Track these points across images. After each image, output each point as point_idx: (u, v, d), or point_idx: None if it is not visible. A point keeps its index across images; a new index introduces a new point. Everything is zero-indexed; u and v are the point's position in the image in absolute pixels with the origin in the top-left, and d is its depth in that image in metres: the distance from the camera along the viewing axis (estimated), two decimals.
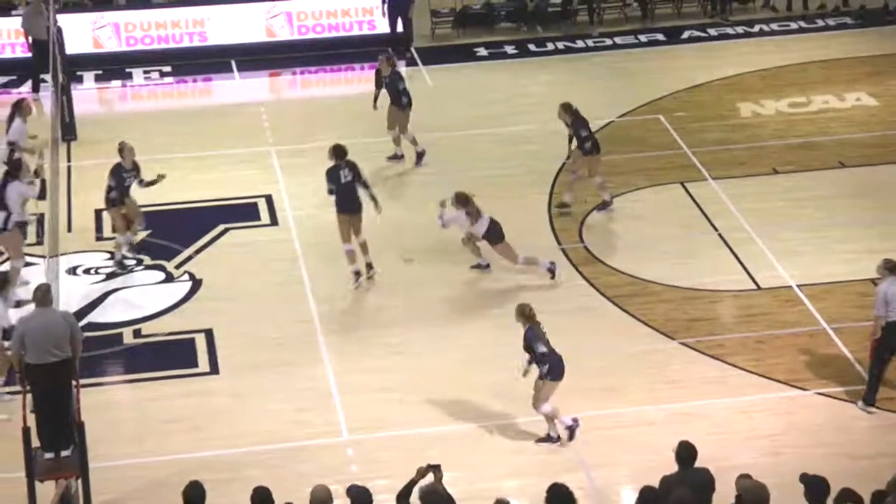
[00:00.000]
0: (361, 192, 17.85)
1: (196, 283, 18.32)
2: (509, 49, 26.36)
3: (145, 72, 25.30)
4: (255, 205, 20.27)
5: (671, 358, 16.35)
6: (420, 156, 21.26)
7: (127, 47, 25.58)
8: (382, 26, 26.22)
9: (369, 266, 18.12)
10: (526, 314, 14.65)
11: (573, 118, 19.43)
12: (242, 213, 20.04)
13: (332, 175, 17.80)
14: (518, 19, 27.32)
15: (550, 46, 26.37)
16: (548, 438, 14.80)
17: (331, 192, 17.85)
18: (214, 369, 16.51)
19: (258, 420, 15.46)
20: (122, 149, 18.40)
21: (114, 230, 18.72)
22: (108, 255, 18.95)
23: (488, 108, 23.28)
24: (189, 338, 17.12)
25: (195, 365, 16.65)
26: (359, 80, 21.63)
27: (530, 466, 14.43)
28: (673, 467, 11.77)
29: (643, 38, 26.63)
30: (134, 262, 18.69)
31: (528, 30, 27.09)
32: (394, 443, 14.90)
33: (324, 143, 19.01)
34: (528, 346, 14.59)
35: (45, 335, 12.98)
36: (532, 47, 26.37)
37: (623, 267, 18.36)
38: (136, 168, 18.41)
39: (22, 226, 17.85)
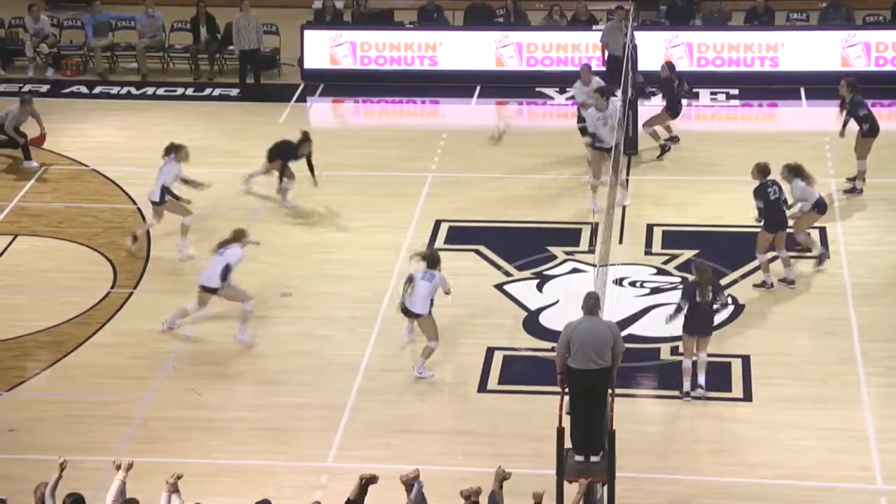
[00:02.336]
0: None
1: (738, 308, 18.22)
2: None
3: (712, 93, 25.42)
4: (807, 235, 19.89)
5: None
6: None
7: (699, 68, 25.76)
8: None
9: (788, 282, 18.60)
10: (697, 267, 16.22)
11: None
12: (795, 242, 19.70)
13: (760, 193, 18.29)
14: None
15: None
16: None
17: (760, 211, 18.39)
18: (747, 396, 16.37)
19: (787, 454, 15.18)
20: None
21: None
22: (654, 270, 19.25)
23: None
24: (726, 361, 17.05)
25: (729, 389, 16.57)
26: None
27: None
28: None
29: None
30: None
31: None
32: None
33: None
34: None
35: (590, 342, 13.35)
36: None
37: None
38: None
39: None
